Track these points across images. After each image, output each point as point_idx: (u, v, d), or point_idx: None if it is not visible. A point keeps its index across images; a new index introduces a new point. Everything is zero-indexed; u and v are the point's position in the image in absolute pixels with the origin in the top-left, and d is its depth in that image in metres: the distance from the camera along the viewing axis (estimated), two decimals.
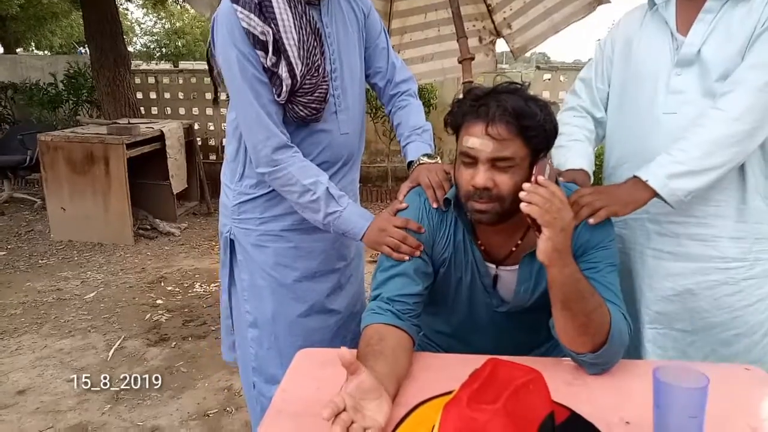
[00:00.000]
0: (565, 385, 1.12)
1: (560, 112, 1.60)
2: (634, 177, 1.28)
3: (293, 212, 1.51)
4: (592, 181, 1.48)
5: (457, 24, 2.65)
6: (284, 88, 1.37)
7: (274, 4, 1.34)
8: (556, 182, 1.19)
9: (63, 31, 17.58)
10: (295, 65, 1.37)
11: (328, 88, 1.44)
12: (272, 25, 1.34)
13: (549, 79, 6.28)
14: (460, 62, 2.61)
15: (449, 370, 1.15)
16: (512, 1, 3.28)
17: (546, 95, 6.11)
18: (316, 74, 1.41)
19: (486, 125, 1.12)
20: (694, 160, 1.23)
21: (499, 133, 1.11)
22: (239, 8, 1.33)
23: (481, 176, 1.13)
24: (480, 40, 3.45)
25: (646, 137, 1.38)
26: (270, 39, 1.34)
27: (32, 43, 18.12)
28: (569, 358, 1.18)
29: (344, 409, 0.88)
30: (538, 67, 6.89)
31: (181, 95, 6.59)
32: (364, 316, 1.23)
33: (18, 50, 15.96)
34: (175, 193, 5.02)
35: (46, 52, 18.50)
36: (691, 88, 1.31)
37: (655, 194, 1.25)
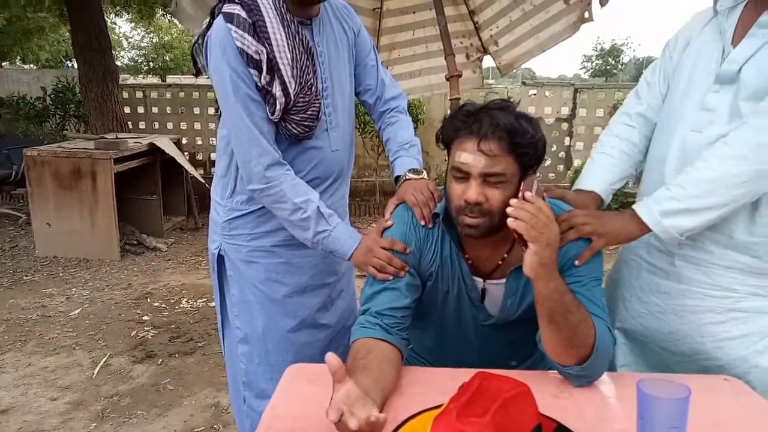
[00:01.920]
0: (552, 398, 1.13)
1: (615, 114, 1.52)
2: (631, 209, 1.24)
3: (284, 228, 1.51)
4: (606, 203, 1.42)
5: (444, 42, 2.70)
6: (278, 107, 1.39)
7: (268, 24, 1.36)
8: (543, 198, 1.22)
9: (51, 45, 17.53)
10: (288, 84, 1.39)
11: (320, 105, 1.46)
12: (266, 45, 1.36)
13: (534, 95, 6.37)
14: (447, 79, 2.65)
15: (437, 385, 1.16)
16: (499, 19, 3.34)
17: (531, 110, 6.20)
18: (309, 92, 1.42)
19: (478, 141, 1.13)
20: (692, 198, 1.16)
21: (491, 149, 1.13)
22: (233, 27, 1.34)
23: (473, 191, 1.15)
24: (467, 56, 3.51)
25: (668, 150, 1.32)
26: (264, 58, 1.36)
27: (18, 57, 18.02)
28: (555, 371, 1.20)
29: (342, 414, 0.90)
30: (523, 83, 6.99)
31: (168, 110, 6.59)
32: (353, 330, 1.24)
33: (4, 64, 15.88)
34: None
35: (31, 65, 18.42)
36: (722, 108, 1.22)
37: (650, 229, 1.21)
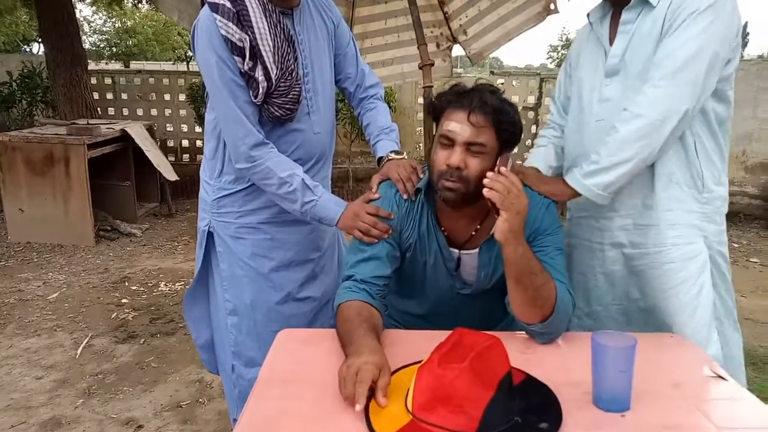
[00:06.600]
0: (519, 354, 1.27)
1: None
2: (562, 178, 1.50)
3: (270, 206, 1.62)
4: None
5: (417, 32, 2.81)
6: (261, 90, 1.50)
7: (251, 14, 1.46)
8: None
9: (7, 28, 16.99)
10: (270, 69, 1.49)
11: (301, 90, 1.57)
12: (249, 33, 1.46)
13: (502, 83, 6.53)
14: (420, 68, 2.77)
15: (417, 344, 1.28)
16: (468, 8, 3.46)
17: None
18: (289, 77, 1.53)
19: (468, 113, 1.29)
20: (604, 157, 1.39)
21: (478, 120, 1.29)
22: (218, 16, 1.44)
23: (456, 156, 1.30)
24: (437, 45, 3.62)
25: (584, 142, 1.54)
26: (247, 45, 1.46)
27: None
28: (522, 332, 1.34)
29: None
30: (492, 72, 7.14)
31: (138, 96, 6.55)
32: (339, 293, 1.36)
33: None
34: (171, 180, 5.08)
35: None
36: (617, 95, 1.46)
37: (576, 192, 1.44)
